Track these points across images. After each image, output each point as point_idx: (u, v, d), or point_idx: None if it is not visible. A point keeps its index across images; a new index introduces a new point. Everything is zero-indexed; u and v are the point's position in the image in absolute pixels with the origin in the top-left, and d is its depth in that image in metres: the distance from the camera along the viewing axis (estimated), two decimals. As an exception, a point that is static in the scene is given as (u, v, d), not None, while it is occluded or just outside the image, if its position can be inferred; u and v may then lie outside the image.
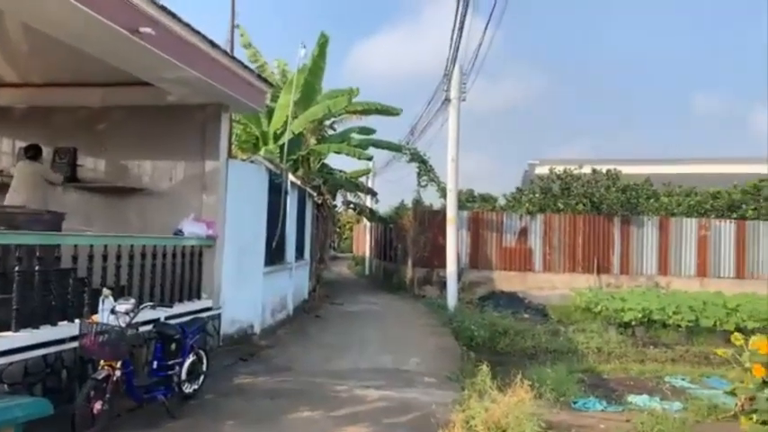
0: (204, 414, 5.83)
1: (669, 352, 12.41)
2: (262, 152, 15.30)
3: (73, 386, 5.51)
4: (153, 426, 5.36)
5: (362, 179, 23.93)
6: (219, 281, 8.72)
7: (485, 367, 6.79)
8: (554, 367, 8.88)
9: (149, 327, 6.21)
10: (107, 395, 4.84)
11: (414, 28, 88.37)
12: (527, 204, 19.40)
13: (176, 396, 5.87)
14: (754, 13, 71.99)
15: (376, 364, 8.58)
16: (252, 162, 10.60)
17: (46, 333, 5.37)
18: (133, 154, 8.90)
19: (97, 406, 4.76)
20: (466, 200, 22.92)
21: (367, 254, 29.95)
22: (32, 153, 7.58)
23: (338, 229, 37.59)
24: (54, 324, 5.52)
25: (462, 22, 13.35)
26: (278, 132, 16.04)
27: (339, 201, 22.37)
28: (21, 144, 8.41)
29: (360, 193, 23.21)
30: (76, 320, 5.46)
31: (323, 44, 16.00)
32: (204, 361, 6.43)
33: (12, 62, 8.35)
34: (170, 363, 5.77)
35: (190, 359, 6.05)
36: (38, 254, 5.37)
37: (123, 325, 5.02)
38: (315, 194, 16.32)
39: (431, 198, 20.13)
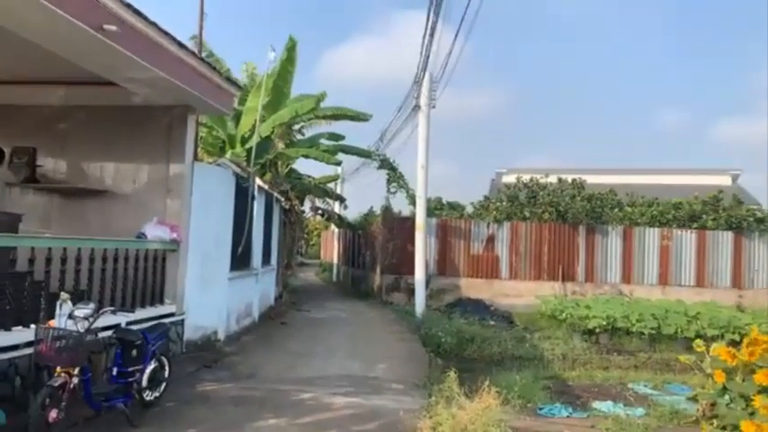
0: (166, 422, 5.68)
1: (632, 359, 12.59)
2: (228, 155, 15.10)
3: (27, 394, 5.28)
4: (111, 435, 5.19)
5: (331, 185, 23.85)
6: (183, 286, 8.55)
7: (452, 374, 6.79)
8: (520, 374, 8.92)
9: (110, 332, 6.02)
10: (63, 403, 4.65)
11: (385, 35, 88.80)
12: (494, 212, 19.55)
13: (137, 404, 5.70)
14: (718, 31, 74.35)
15: (343, 371, 8.49)
16: (218, 165, 10.44)
17: (-1, 339, 5.16)
18: (95, 155, 8.68)
19: (53, 414, 4.56)
20: (434, 207, 22.96)
21: (335, 260, 29.80)
22: None
23: (306, 235, 37.38)
24: (8, 329, 5.31)
25: (433, 30, 13.44)
26: (245, 136, 15.89)
27: (307, 206, 22.25)
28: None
29: (328, 199, 23.12)
30: (32, 326, 5.27)
31: (291, 48, 15.97)
32: (166, 368, 6.27)
33: (-33, 58, 8.07)
34: (131, 369, 5.59)
35: (151, 366, 5.89)
36: (-8, 256, 5.18)
37: (82, 330, 4.85)
38: (282, 199, 16.17)
39: (400, 205, 20.17)
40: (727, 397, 5.13)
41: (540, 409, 7.69)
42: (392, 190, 19.62)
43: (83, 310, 4.97)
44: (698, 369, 6.13)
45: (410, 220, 17.53)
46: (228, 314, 10.15)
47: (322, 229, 40.22)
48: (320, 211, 23.78)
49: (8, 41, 6.07)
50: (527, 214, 19.42)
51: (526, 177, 20.68)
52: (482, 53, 74.22)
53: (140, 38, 6.50)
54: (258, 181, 12.38)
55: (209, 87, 8.34)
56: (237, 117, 15.93)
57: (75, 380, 4.77)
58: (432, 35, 13.59)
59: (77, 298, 5.59)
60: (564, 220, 19.14)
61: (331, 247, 32.37)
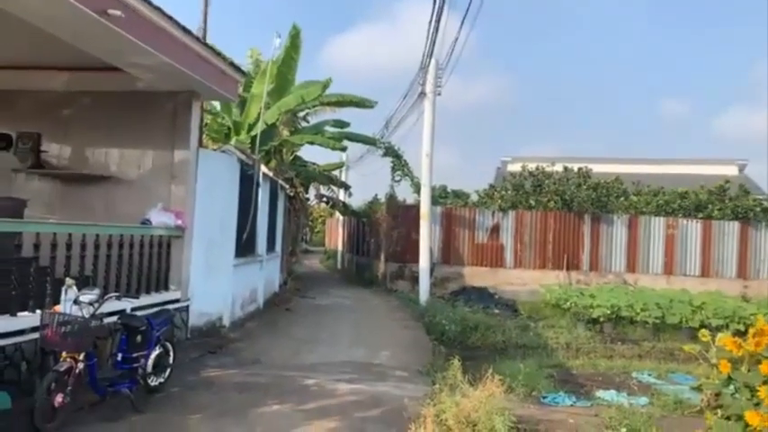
0: (170, 407, 5.71)
1: (636, 348, 12.59)
2: (233, 142, 15.07)
3: (33, 379, 5.32)
4: (117, 420, 5.22)
5: (336, 172, 23.80)
6: (188, 272, 8.56)
7: (456, 361, 6.78)
8: (524, 362, 8.92)
9: (114, 318, 6.04)
10: (69, 388, 4.68)
11: (389, 22, 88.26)
12: (499, 201, 19.50)
13: (141, 389, 5.73)
14: (721, 20, 73.62)
15: (347, 358, 8.51)
16: (223, 152, 10.41)
17: (5, 323, 5.18)
18: (100, 141, 8.66)
19: (58, 399, 4.60)
20: (439, 195, 22.98)
21: (339, 248, 29.79)
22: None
23: (310, 223, 37.36)
24: (14, 314, 5.32)
25: (439, 16, 13.35)
26: (250, 123, 15.83)
27: (312, 194, 22.19)
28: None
29: (333, 187, 23.06)
30: (38, 311, 5.29)
31: (295, 36, 15.94)
32: (171, 353, 6.28)
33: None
34: (135, 355, 5.62)
35: (156, 351, 5.91)
36: (-3, 241, 5.18)
37: (87, 316, 4.87)
38: (287, 187, 16.15)
39: (404, 193, 20.15)
40: (731, 387, 5.09)
41: (544, 397, 7.69)
42: (397, 178, 19.61)
43: (88, 296, 4.99)
44: (702, 359, 6.10)
45: (415, 208, 17.51)
46: (233, 300, 10.18)
47: (326, 217, 40.19)
48: (325, 199, 23.74)
49: (11, 26, 6.04)
50: (532, 203, 19.36)
51: (532, 166, 20.61)
52: (488, 41, 73.77)
53: (144, 22, 6.45)
54: (263, 168, 12.36)
55: (213, 73, 8.30)
56: (243, 103, 15.88)
57: (81, 365, 4.80)
58: (438, 21, 13.51)
59: (82, 283, 5.63)
60: (569, 208, 19.07)
61: (335, 235, 32.35)
